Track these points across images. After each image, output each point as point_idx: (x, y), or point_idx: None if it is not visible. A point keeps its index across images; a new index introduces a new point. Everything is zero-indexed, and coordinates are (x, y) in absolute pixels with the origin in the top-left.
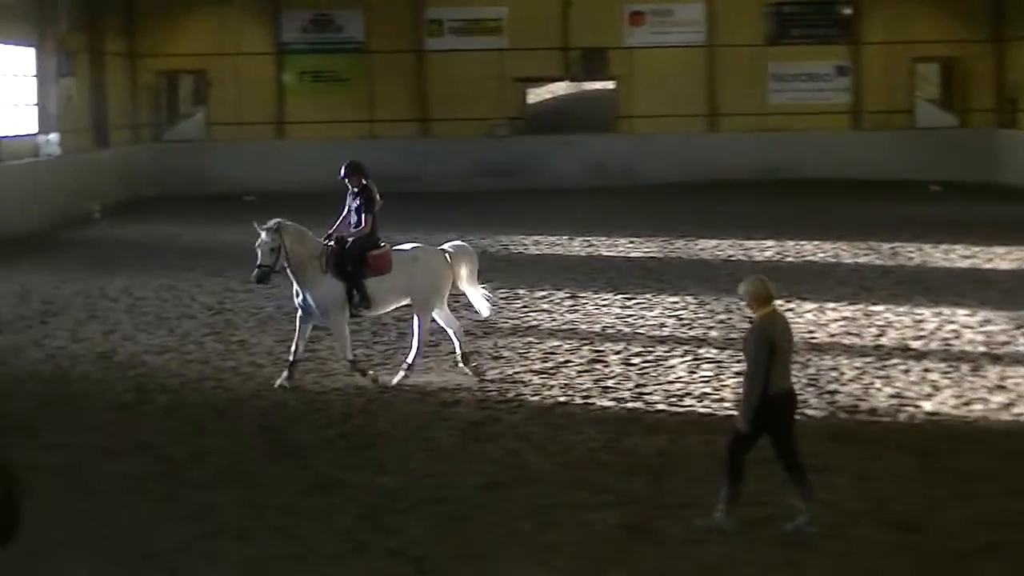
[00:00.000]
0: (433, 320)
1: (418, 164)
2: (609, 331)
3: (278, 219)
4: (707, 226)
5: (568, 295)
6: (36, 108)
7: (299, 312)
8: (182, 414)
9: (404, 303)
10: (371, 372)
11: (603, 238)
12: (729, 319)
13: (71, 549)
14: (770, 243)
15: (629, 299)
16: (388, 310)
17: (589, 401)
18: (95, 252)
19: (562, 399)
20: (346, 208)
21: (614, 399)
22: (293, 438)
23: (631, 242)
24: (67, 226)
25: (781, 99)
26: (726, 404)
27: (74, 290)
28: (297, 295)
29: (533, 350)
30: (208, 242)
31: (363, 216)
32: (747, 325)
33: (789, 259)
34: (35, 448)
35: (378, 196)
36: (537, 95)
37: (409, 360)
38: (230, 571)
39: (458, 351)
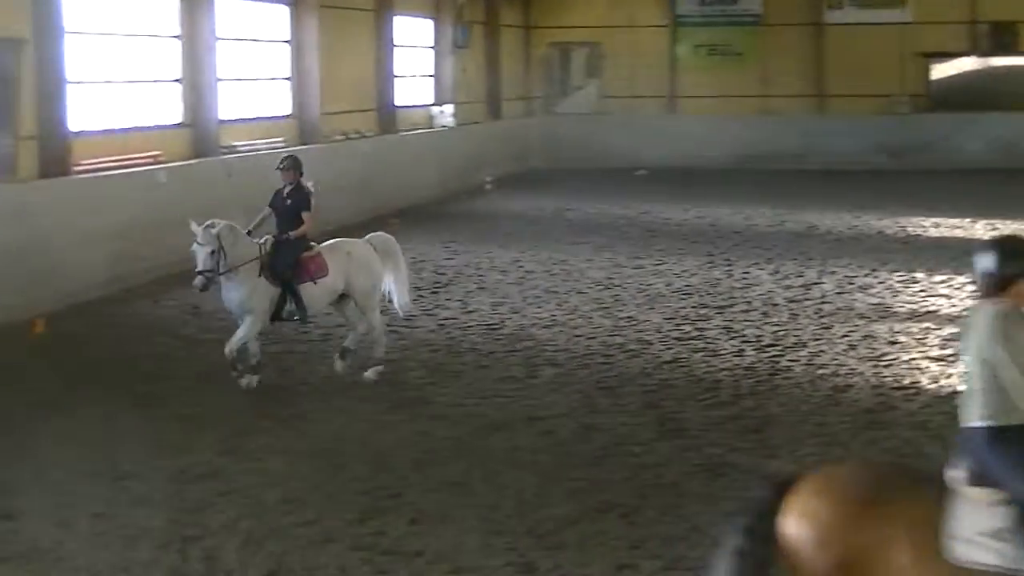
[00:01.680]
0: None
1: (813, 141)
2: None
3: (213, 219)
4: None
5: (969, 279)
6: (432, 79)
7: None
8: (569, 389)
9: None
10: (246, 378)
11: (1009, 222)
12: None
13: (461, 518)
14: None
15: None
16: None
17: None
18: (486, 224)
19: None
20: (271, 207)
21: None
22: (680, 418)
23: None
24: (460, 197)
25: None
26: None
27: (465, 261)
28: (224, 296)
29: (931, 336)
30: (598, 217)
31: (304, 215)
32: None
33: None
34: (424, 417)
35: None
36: (941, 71)
37: (379, 355)
38: (615, 549)
39: (347, 343)
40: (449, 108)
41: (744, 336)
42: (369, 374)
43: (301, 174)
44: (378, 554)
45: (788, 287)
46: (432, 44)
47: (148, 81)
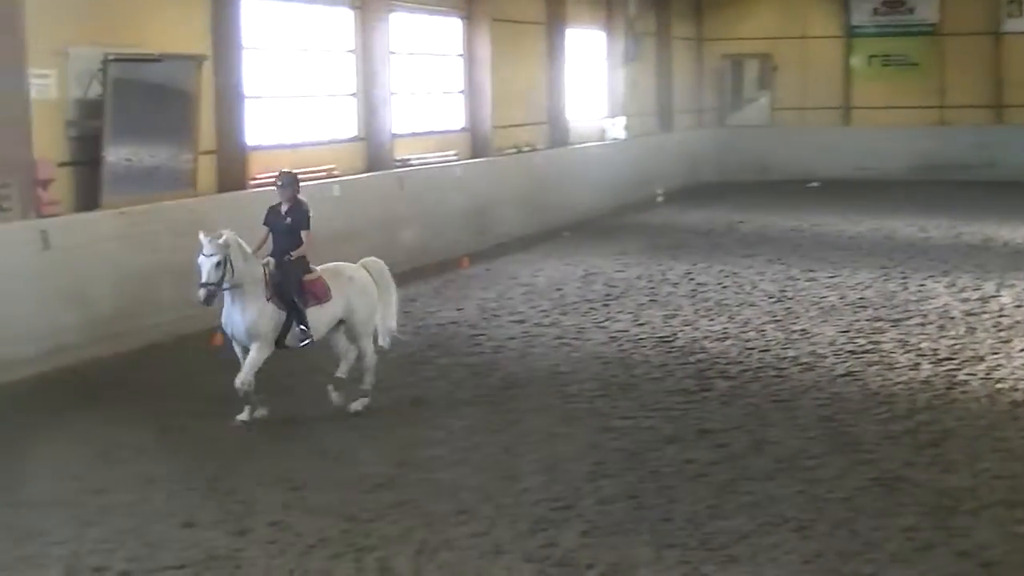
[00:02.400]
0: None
1: (990, 152)
2: None
3: (225, 230)
4: None
5: None
6: (603, 92)
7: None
8: (741, 402)
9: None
10: (258, 411)
11: None
12: None
13: (633, 530)
14: None
15: None
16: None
17: None
18: (658, 236)
19: None
20: (266, 226)
21: None
22: (855, 432)
23: None
24: (631, 210)
25: None
26: None
27: (636, 273)
28: (226, 320)
29: None
30: (769, 229)
31: (304, 234)
32: None
33: None
34: (596, 429)
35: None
36: None
37: (367, 385)
38: (788, 564)
39: (340, 373)
40: (620, 121)
41: (920, 349)
42: (355, 405)
43: (298, 191)
44: (550, 566)
45: (965, 300)
46: (603, 57)
47: (323, 95)
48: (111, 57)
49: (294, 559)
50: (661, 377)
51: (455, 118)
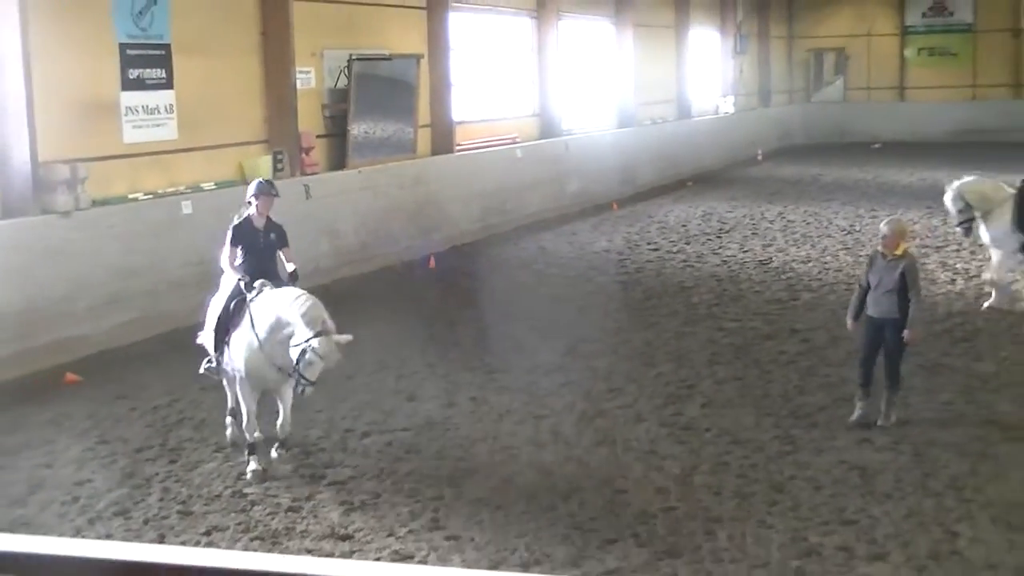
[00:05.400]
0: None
1: (1012, 120)
2: None
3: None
4: None
5: None
6: (718, 77)
7: (245, 378)
8: (821, 308)
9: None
10: (260, 466)
11: None
12: None
13: (740, 404)
14: None
15: None
16: None
17: None
18: (758, 185)
19: None
20: (239, 246)
21: None
22: None
23: None
24: (738, 165)
25: None
26: None
27: (742, 213)
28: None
29: None
30: (843, 180)
31: (286, 251)
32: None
33: None
34: (713, 329)
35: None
36: None
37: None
38: (855, 428)
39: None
40: (730, 99)
41: (955, 269)
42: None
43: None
44: (677, 429)
45: None
46: (718, 51)
47: (509, 83)
48: (354, 57)
49: (489, 425)
50: (761, 290)
51: (607, 98)
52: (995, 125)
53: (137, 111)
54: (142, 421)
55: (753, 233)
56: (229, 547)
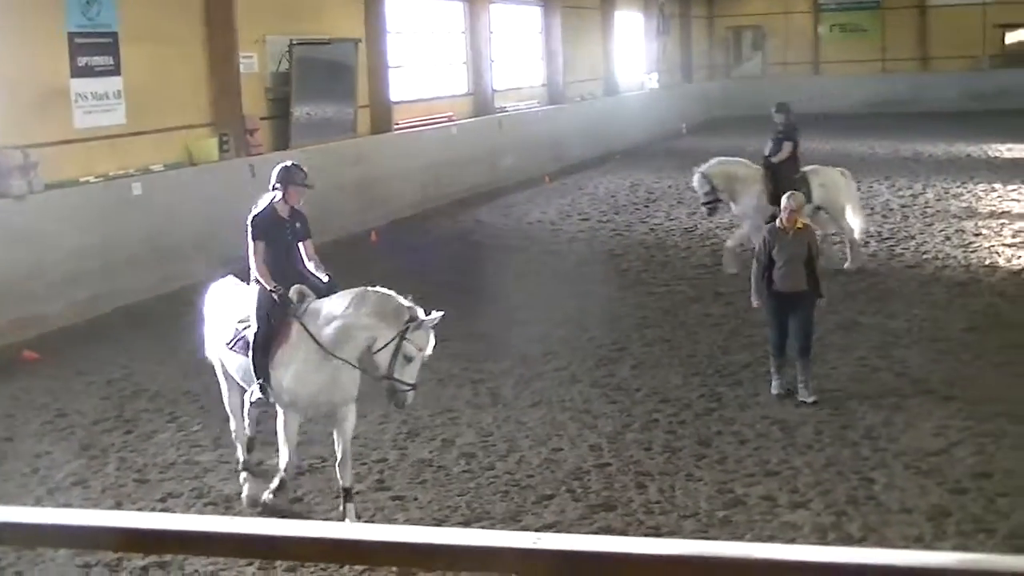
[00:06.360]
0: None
1: (918, 92)
2: None
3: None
4: None
5: None
6: (643, 56)
7: (293, 405)
8: (744, 272)
9: None
10: (267, 496)
11: None
12: None
13: (668, 364)
14: None
15: None
16: None
17: None
18: (683, 157)
19: None
20: (262, 240)
21: None
22: None
23: None
24: (664, 139)
25: None
26: None
27: (668, 184)
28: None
29: (1006, 229)
30: (762, 151)
31: (308, 244)
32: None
33: None
34: (642, 294)
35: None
36: (1014, 37)
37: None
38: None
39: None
40: (654, 76)
41: (868, 233)
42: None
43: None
44: (610, 390)
45: (900, 196)
46: (642, 31)
47: (444, 64)
48: (295, 42)
49: (430, 389)
50: (687, 256)
51: (537, 77)
52: (903, 97)
53: (87, 97)
54: (99, 394)
55: (679, 202)
56: (184, 512)
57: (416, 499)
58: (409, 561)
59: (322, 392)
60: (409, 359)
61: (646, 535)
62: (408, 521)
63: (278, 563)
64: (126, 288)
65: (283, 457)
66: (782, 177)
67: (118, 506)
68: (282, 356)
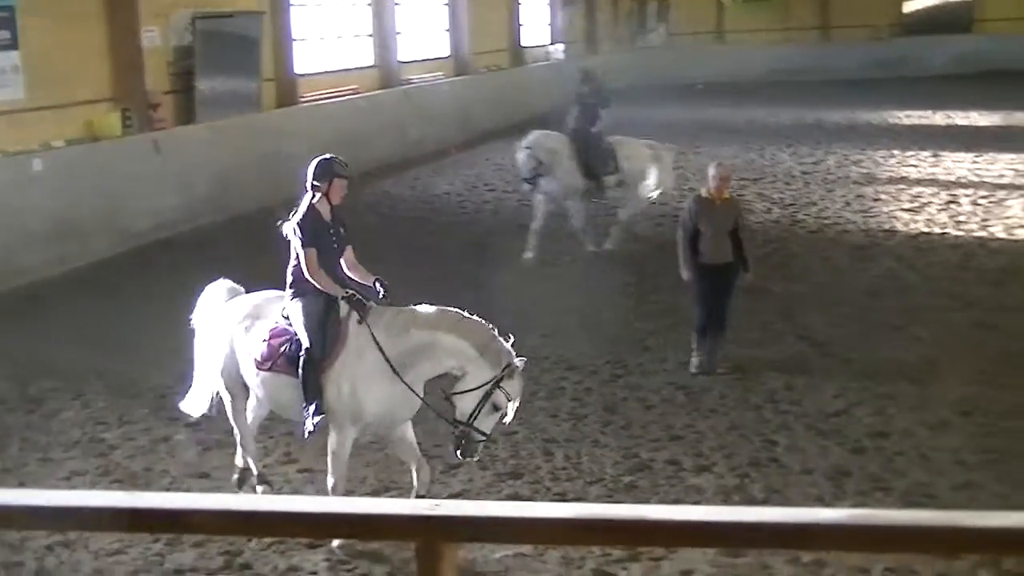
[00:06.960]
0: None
1: (821, 61)
2: (962, 180)
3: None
4: None
5: (931, 154)
6: (548, 27)
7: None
8: (654, 239)
9: None
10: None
11: (958, 112)
12: None
13: (575, 333)
14: None
15: (978, 156)
16: None
17: (946, 232)
18: None
19: (925, 230)
20: (315, 247)
21: (964, 230)
22: None
23: (981, 114)
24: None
25: None
26: None
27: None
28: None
29: (904, 194)
30: (667, 117)
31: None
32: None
33: None
34: (550, 263)
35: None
36: (912, 6)
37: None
38: (685, 351)
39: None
40: (560, 47)
41: (771, 199)
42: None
43: None
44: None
45: (802, 163)
46: (548, 2)
47: (349, 36)
48: (198, 15)
49: None
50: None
51: (443, 48)
52: (806, 66)
53: None
54: (1, 373)
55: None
56: (90, 490)
57: (324, 472)
58: (314, 531)
59: (392, 412)
60: (497, 409)
61: (552, 501)
62: (318, 493)
63: (185, 538)
64: (27, 265)
65: (331, 481)
66: (593, 149)
67: (21, 486)
68: (341, 366)
